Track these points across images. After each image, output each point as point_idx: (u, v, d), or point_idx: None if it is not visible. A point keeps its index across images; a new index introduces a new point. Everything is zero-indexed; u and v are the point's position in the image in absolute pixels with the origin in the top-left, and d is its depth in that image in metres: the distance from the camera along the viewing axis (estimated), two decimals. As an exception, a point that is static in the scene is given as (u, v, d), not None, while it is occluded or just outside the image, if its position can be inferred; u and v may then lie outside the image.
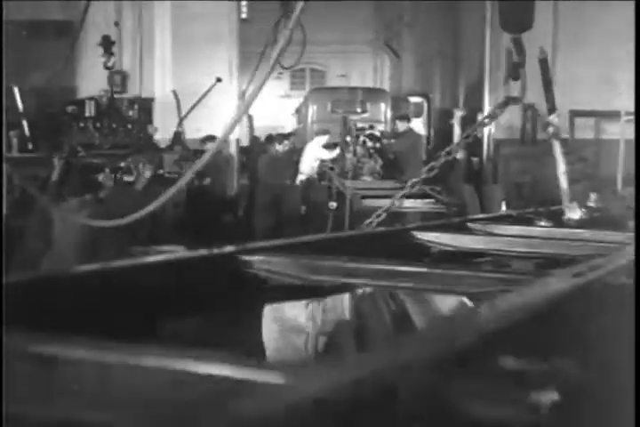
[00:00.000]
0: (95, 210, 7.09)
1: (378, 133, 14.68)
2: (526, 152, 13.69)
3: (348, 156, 13.34)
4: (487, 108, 15.61)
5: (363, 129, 14.16)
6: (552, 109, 4.62)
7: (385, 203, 8.88)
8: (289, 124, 23.55)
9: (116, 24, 14.11)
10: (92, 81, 13.69)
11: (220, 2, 13.52)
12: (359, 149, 13.45)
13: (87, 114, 11.68)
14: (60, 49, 14.72)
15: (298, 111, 21.38)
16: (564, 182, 4.19)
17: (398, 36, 23.67)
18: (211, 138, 14.09)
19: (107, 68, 12.91)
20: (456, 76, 20.47)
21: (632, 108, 12.75)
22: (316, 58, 26.35)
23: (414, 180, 5.14)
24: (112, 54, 12.47)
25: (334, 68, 27.98)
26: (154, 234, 9.33)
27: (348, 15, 25.00)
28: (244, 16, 16.96)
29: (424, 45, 22.00)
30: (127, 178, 9.82)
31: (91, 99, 11.99)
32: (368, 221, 4.22)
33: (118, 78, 14.14)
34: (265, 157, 12.73)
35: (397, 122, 14.69)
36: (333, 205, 9.99)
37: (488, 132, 15.58)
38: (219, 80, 13.62)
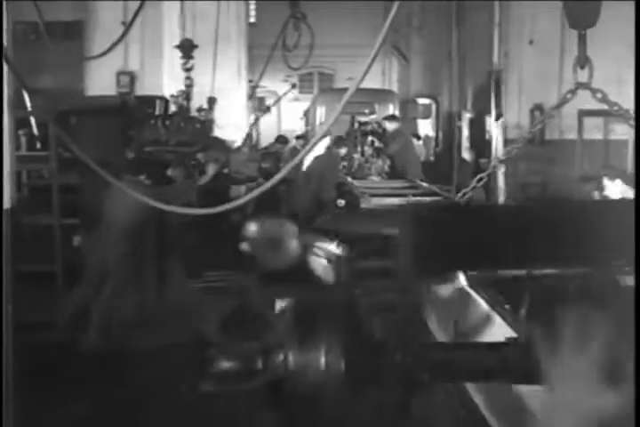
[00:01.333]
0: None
1: (380, 130, 14.61)
2: (535, 153, 13.63)
3: (356, 156, 13.36)
4: (494, 111, 15.62)
5: (366, 124, 14.12)
6: (499, 115, 4.88)
7: (393, 201, 8.89)
8: (298, 128, 23.56)
9: (124, 24, 14.10)
10: (99, 81, 13.70)
11: (229, 2, 13.52)
12: (367, 149, 13.46)
13: (157, 112, 11.82)
14: (68, 50, 14.75)
15: (306, 114, 21.40)
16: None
17: (407, 39, 23.65)
18: (281, 138, 14.28)
19: (186, 70, 13.09)
20: (464, 78, 20.44)
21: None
22: (325, 61, 26.34)
23: (465, 190, 5.25)
24: (191, 57, 12.56)
25: (342, 72, 27.94)
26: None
27: (356, 19, 25.00)
28: (252, 20, 16.98)
29: (432, 48, 21.97)
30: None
31: (161, 98, 12.11)
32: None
33: (126, 79, 14.16)
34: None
35: (386, 123, 14.54)
36: (342, 202, 10.03)
37: (497, 132, 15.56)
38: (293, 86, 13.75)
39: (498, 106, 7.29)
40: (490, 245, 2.47)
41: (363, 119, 14.56)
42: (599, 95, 4.25)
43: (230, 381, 2.25)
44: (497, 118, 7.26)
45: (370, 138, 13.77)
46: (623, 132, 13.71)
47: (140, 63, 14.38)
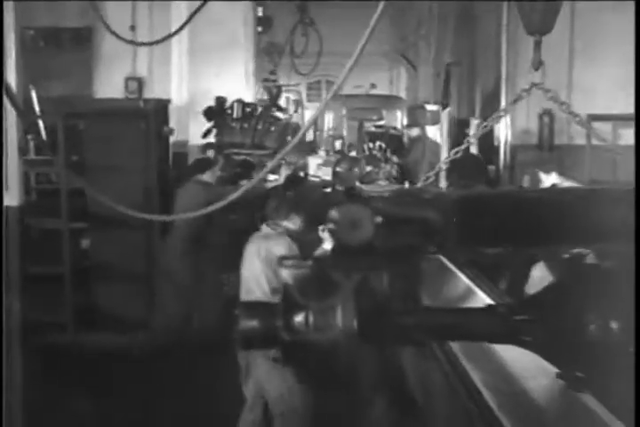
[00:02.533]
0: None
1: (398, 133, 14.68)
2: (544, 159, 13.60)
3: (363, 162, 13.33)
4: (503, 118, 15.61)
5: (381, 127, 14.12)
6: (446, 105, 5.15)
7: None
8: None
9: (132, 28, 14.14)
10: (107, 87, 13.73)
11: (237, 8, 13.54)
12: (376, 154, 13.43)
13: (235, 115, 11.90)
14: (77, 56, 14.81)
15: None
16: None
17: (414, 47, 23.67)
18: (210, 145, 14.17)
19: (271, 72, 13.31)
20: (473, 85, 20.45)
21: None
22: (332, 70, 26.36)
23: (428, 174, 5.25)
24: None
25: (350, 80, 27.92)
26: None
27: (363, 28, 24.98)
28: (260, 29, 17.01)
29: (440, 56, 21.97)
30: (272, 176, 10.56)
31: (238, 101, 12.19)
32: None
33: (134, 84, 14.19)
34: None
35: (408, 131, 14.77)
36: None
37: (505, 138, 15.54)
38: (373, 86, 13.76)
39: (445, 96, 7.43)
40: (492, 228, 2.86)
41: (377, 124, 14.61)
42: (550, 95, 4.47)
43: (253, 339, 2.51)
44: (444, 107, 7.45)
45: (378, 143, 13.76)
46: (631, 137, 13.70)
47: (149, 69, 14.40)
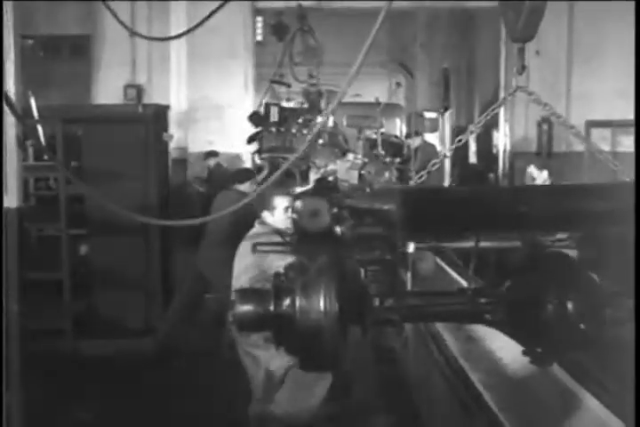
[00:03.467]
0: None
1: (399, 141, 14.67)
2: (543, 166, 13.60)
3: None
4: (502, 126, 15.65)
5: (381, 135, 14.11)
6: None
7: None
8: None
9: (131, 35, 14.16)
10: (107, 95, 13.73)
11: (236, 16, 13.56)
12: (375, 161, 13.38)
13: (272, 119, 11.94)
14: (76, 64, 14.84)
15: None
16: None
17: (413, 56, 23.71)
18: (213, 153, 14.14)
19: (310, 75, 13.39)
20: (471, 93, 20.53)
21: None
22: (331, 79, 26.35)
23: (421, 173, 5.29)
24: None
25: (351, 90, 27.93)
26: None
27: (362, 37, 25.01)
28: (259, 38, 16.98)
29: (439, 64, 22.03)
30: None
31: (275, 104, 12.24)
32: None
33: (133, 92, 14.21)
34: None
35: (410, 140, 14.78)
36: None
37: (503, 146, 15.57)
38: (399, 85, 13.73)
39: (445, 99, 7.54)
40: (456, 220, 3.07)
41: (376, 131, 14.56)
42: (534, 97, 4.62)
43: (247, 322, 2.81)
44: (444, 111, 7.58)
45: (378, 149, 13.73)
46: (630, 144, 13.72)
47: (148, 76, 14.42)
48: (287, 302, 2.76)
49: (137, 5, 14.32)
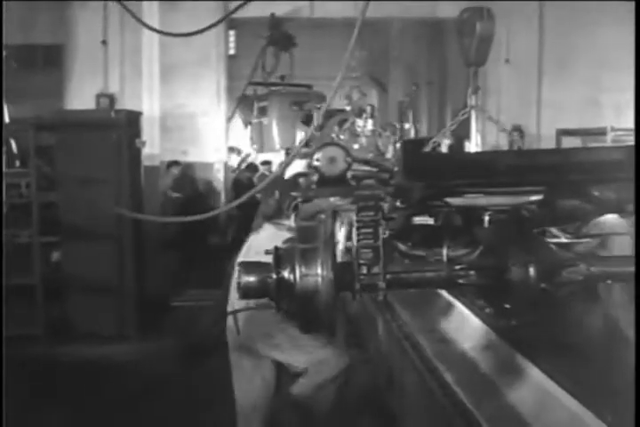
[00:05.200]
0: None
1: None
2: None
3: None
4: (474, 136, 15.72)
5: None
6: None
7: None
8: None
9: (104, 42, 14.19)
10: (79, 104, 13.72)
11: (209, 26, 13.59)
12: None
13: (316, 123, 11.96)
14: (49, 75, 14.83)
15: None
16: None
17: (385, 69, 23.84)
18: (175, 163, 14.16)
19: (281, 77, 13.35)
20: (443, 105, 20.66)
21: (618, 125, 12.85)
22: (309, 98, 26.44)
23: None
24: None
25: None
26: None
27: (334, 51, 25.13)
28: (231, 52, 17.03)
29: (411, 78, 22.15)
30: None
31: (318, 108, 12.30)
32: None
33: (106, 101, 14.20)
34: None
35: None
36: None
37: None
38: (415, 86, 13.68)
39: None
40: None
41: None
42: (487, 115, 5.12)
43: (251, 290, 3.18)
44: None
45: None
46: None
47: (120, 85, 14.42)
48: (287, 269, 3.11)
49: (110, 14, 14.35)
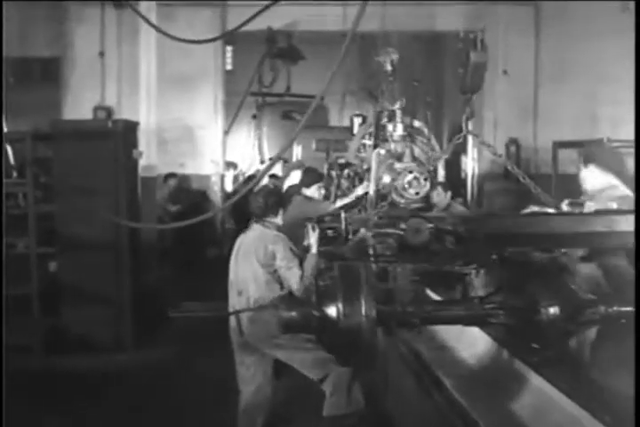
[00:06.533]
0: None
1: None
2: (510, 188, 13.69)
3: (333, 190, 13.31)
4: (470, 150, 15.74)
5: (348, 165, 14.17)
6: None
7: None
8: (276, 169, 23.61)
9: (101, 54, 14.25)
10: (76, 117, 13.71)
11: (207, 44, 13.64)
12: (343, 182, 13.40)
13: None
14: (46, 89, 14.84)
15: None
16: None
17: (381, 85, 23.88)
18: (172, 175, 14.17)
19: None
20: (440, 122, 20.67)
21: (615, 136, 12.84)
22: (301, 109, 26.43)
23: None
24: None
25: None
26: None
27: (332, 65, 25.12)
28: (228, 68, 17.07)
29: (408, 93, 22.16)
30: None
31: (357, 115, 12.33)
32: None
33: (103, 114, 14.22)
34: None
35: None
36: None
37: (472, 170, 15.66)
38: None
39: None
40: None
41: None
42: (479, 139, 5.82)
43: (293, 325, 3.42)
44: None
45: (347, 171, 13.76)
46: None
47: (117, 98, 14.46)
48: (330, 306, 3.37)
49: (107, 27, 14.41)
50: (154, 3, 11.43)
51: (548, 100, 15.01)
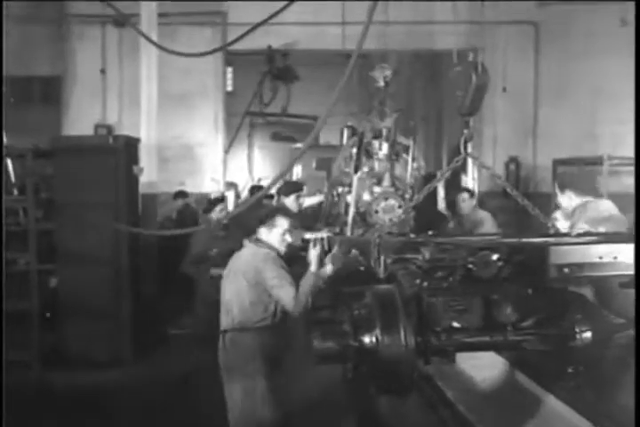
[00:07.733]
0: None
1: None
2: (510, 206, 13.66)
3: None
4: (470, 169, 15.75)
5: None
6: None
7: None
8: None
9: (102, 71, 14.30)
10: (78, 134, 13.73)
11: (208, 59, 13.70)
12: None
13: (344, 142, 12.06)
14: (47, 108, 14.89)
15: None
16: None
17: (382, 106, 23.92)
18: (182, 194, 14.12)
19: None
20: (440, 142, 20.69)
21: (615, 153, 12.86)
22: (301, 130, 26.50)
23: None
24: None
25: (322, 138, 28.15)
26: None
27: (331, 89, 25.23)
28: (229, 89, 17.15)
29: (407, 113, 22.21)
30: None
31: (348, 126, 12.36)
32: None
33: (104, 131, 14.26)
34: None
35: None
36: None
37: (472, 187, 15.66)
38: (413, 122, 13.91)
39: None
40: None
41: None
42: (477, 161, 5.46)
43: (330, 356, 3.40)
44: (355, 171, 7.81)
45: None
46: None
47: (118, 116, 14.51)
48: (368, 337, 3.35)
49: (107, 46, 14.49)
50: (155, 22, 11.47)
51: (547, 118, 15.03)
